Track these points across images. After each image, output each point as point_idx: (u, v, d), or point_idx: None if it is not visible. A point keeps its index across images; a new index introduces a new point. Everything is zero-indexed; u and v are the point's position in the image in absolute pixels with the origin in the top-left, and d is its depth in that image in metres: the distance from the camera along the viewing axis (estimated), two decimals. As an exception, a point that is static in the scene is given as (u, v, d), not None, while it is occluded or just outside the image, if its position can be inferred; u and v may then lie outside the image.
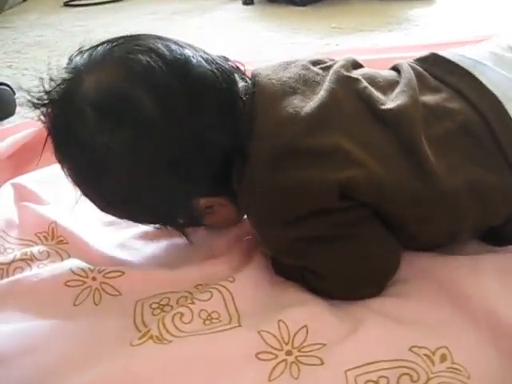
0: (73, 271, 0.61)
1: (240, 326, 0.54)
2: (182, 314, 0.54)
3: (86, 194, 0.60)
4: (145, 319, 0.56)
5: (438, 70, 0.62)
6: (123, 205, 0.59)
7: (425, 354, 0.49)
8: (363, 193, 0.54)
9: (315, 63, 0.63)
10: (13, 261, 0.64)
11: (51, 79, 0.57)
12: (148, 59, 0.54)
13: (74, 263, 0.62)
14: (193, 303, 0.55)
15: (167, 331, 0.52)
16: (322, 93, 0.57)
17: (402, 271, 0.58)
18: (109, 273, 0.60)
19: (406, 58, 0.68)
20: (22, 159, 0.88)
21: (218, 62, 0.58)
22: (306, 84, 0.59)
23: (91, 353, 0.52)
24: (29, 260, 0.64)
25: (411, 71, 0.61)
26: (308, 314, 0.54)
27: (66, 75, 0.56)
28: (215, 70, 0.57)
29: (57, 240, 0.68)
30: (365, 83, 0.59)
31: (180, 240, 0.66)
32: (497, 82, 0.58)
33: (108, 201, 0.59)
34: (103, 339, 0.53)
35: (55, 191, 0.77)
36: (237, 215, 0.64)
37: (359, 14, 1.85)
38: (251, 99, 0.58)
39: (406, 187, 0.54)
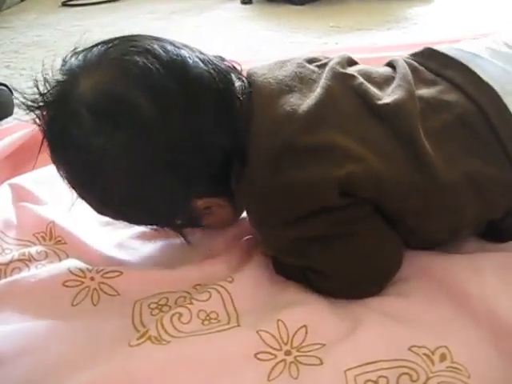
0: (71, 271, 0.61)
1: (239, 325, 0.53)
2: (180, 315, 0.54)
3: (82, 196, 0.59)
4: (143, 319, 0.56)
5: (433, 63, 0.62)
6: (120, 207, 0.59)
7: (424, 354, 0.49)
8: (363, 188, 0.53)
9: (311, 61, 0.63)
10: (11, 261, 0.64)
11: (46, 80, 0.56)
12: (144, 60, 0.54)
13: (72, 263, 0.62)
14: (191, 303, 0.55)
15: (165, 332, 0.52)
16: (318, 90, 0.57)
17: (401, 270, 0.58)
18: (107, 273, 0.60)
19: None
20: (19, 159, 0.88)
21: (215, 62, 0.58)
22: (303, 82, 0.59)
23: (89, 353, 0.51)
24: (27, 260, 0.64)
25: (406, 66, 0.61)
26: (307, 314, 0.54)
27: (60, 77, 0.56)
28: (212, 71, 0.57)
29: (55, 240, 0.68)
30: (361, 79, 0.59)
31: (178, 240, 0.66)
32: (494, 74, 0.58)
33: (105, 203, 0.59)
34: (101, 339, 0.53)
35: (53, 191, 0.76)
36: (234, 215, 0.64)
37: (357, 12, 1.85)
38: (248, 99, 0.58)
39: (405, 181, 0.54)
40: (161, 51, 0.55)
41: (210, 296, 0.56)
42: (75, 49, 0.58)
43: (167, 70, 0.54)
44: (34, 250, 0.66)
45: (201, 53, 0.59)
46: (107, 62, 0.55)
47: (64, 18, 2.14)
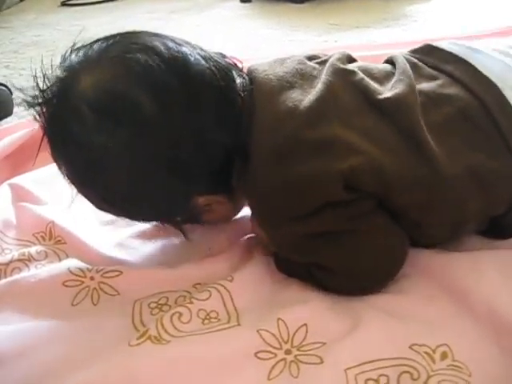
0: (71, 271, 0.60)
1: (239, 325, 0.53)
2: (180, 314, 0.54)
3: (82, 192, 0.59)
4: (143, 319, 0.55)
5: (432, 59, 0.62)
6: (121, 204, 0.59)
7: (425, 352, 0.49)
8: (367, 182, 0.53)
9: (311, 58, 0.63)
10: (11, 261, 0.64)
11: (45, 76, 0.56)
12: (146, 58, 0.54)
13: (71, 263, 0.62)
14: (191, 303, 0.55)
15: (165, 331, 0.52)
16: (319, 86, 0.57)
17: (403, 268, 0.57)
18: (107, 272, 0.60)
19: (405, 53, 0.68)
20: (19, 159, 0.88)
21: (216, 59, 0.58)
22: (303, 78, 0.59)
23: (89, 353, 0.51)
24: (27, 260, 0.64)
25: (405, 61, 0.61)
26: (307, 313, 0.54)
27: (60, 73, 0.55)
28: (213, 68, 0.56)
29: (54, 240, 0.68)
30: (361, 75, 0.59)
31: (178, 239, 0.66)
32: (494, 68, 0.58)
33: (105, 200, 0.59)
34: (101, 339, 0.53)
35: (52, 191, 0.77)
36: (233, 211, 0.64)
37: (357, 10, 1.85)
38: (249, 95, 0.58)
39: (408, 174, 0.54)
40: (162, 48, 0.55)
41: (210, 295, 0.56)
42: (74, 45, 0.57)
43: (169, 67, 0.54)
44: (33, 249, 0.66)
45: (202, 50, 0.59)
46: (108, 59, 0.55)
47: (63, 18, 2.13)
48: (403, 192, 0.54)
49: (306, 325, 0.52)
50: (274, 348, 0.51)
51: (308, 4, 2.00)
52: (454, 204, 0.56)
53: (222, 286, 0.57)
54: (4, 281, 0.61)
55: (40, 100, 0.56)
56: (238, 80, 0.59)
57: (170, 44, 0.56)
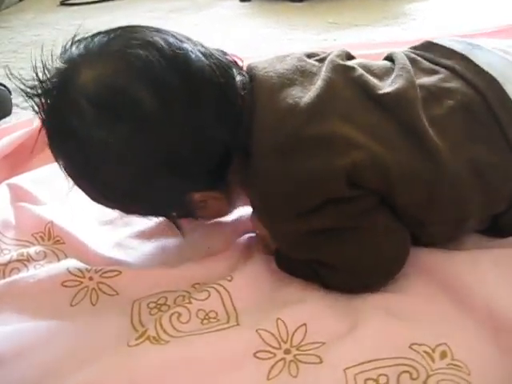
0: (70, 271, 0.60)
1: (238, 324, 0.53)
2: (179, 314, 0.54)
3: (78, 185, 0.59)
4: (142, 319, 0.55)
5: (432, 54, 0.63)
6: (118, 197, 0.59)
7: (425, 351, 0.49)
8: (369, 178, 0.53)
9: (310, 56, 0.63)
10: (9, 262, 0.64)
11: (45, 67, 0.55)
12: (147, 53, 0.53)
13: (70, 263, 0.62)
14: (190, 303, 0.55)
15: (164, 331, 0.52)
16: (319, 82, 0.57)
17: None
18: (106, 272, 0.60)
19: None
20: (17, 159, 0.88)
21: (216, 56, 0.58)
22: (303, 75, 0.59)
23: (88, 353, 0.51)
24: (25, 261, 0.64)
25: (405, 57, 0.61)
26: (307, 312, 0.54)
27: (60, 65, 0.55)
28: (213, 65, 0.56)
29: (53, 240, 0.68)
30: (361, 71, 0.59)
31: (177, 239, 0.65)
32: (494, 63, 0.59)
33: (102, 193, 0.59)
34: (100, 339, 0.53)
35: (51, 191, 0.77)
36: (229, 207, 0.64)
37: (356, 8, 1.85)
38: (250, 93, 0.58)
39: (411, 169, 0.54)
40: (163, 44, 0.55)
41: (209, 295, 0.56)
42: (74, 37, 0.57)
43: (169, 63, 0.54)
44: (32, 250, 0.66)
45: (202, 46, 0.58)
46: (109, 53, 0.55)
47: (62, 18, 2.13)
48: (406, 188, 0.54)
49: (305, 324, 0.52)
50: (274, 348, 0.51)
51: (307, 3, 1.99)
52: (455, 200, 0.55)
53: (221, 285, 0.57)
54: (3, 281, 0.61)
55: (39, 91, 0.55)
56: (239, 77, 0.59)
57: (171, 40, 0.56)
